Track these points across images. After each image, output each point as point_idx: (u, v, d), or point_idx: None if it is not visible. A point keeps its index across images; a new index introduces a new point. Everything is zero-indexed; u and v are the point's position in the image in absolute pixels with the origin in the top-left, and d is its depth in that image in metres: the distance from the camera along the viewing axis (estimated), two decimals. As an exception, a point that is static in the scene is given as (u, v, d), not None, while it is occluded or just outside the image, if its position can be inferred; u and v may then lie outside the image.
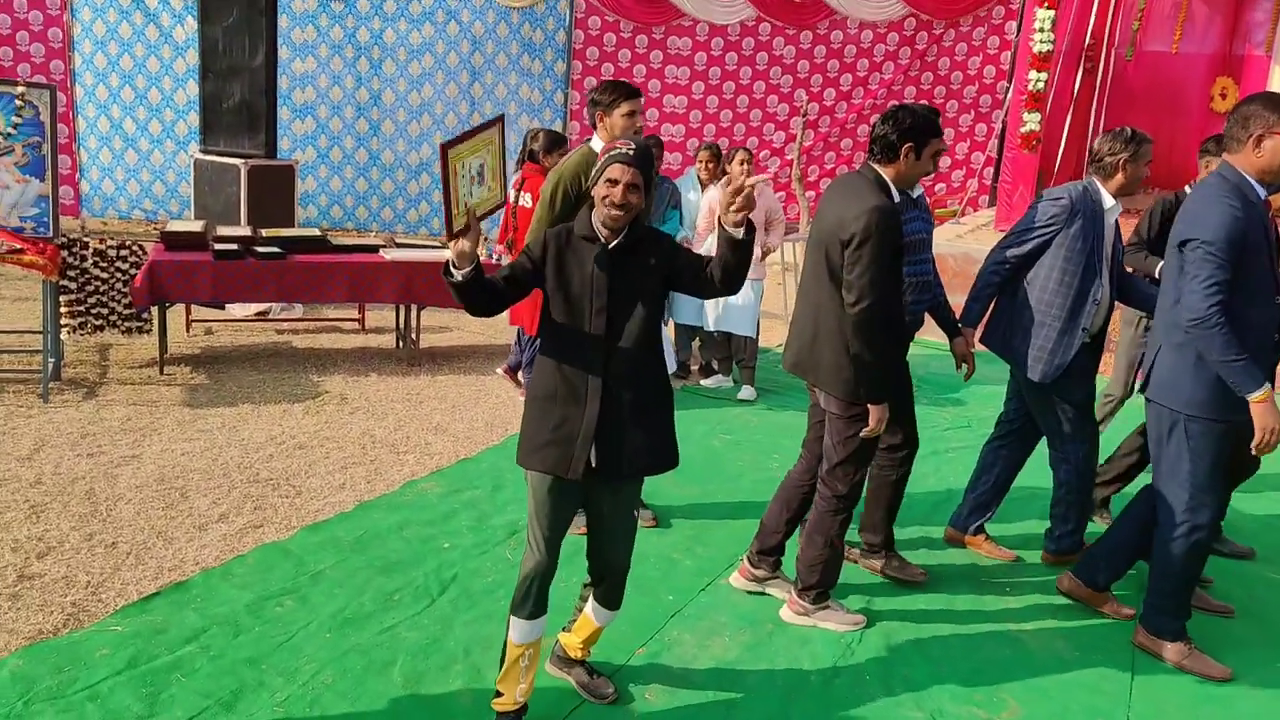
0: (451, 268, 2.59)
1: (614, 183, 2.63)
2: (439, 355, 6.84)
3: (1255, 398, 3.10)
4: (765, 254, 6.59)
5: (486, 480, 4.66)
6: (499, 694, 2.83)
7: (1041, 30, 8.30)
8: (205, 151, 7.81)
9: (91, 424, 5.05)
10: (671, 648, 3.33)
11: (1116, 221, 3.89)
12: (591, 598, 2.98)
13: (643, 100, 4.01)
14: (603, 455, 2.70)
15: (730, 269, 2.62)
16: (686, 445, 5.26)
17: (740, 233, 2.56)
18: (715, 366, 6.76)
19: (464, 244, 2.53)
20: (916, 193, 3.75)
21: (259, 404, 5.59)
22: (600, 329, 2.66)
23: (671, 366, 5.20)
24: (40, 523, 3.96)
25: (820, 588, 3.52)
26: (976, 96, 11.53)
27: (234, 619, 3.33)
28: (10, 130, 5.37)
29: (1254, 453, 3.18)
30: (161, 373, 5.97)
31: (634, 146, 2.67)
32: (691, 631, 3.44)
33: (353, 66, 10.70)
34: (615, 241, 2.68)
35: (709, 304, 6.47)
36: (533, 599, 2.77)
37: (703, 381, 6.67)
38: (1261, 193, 3.21)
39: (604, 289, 2.66)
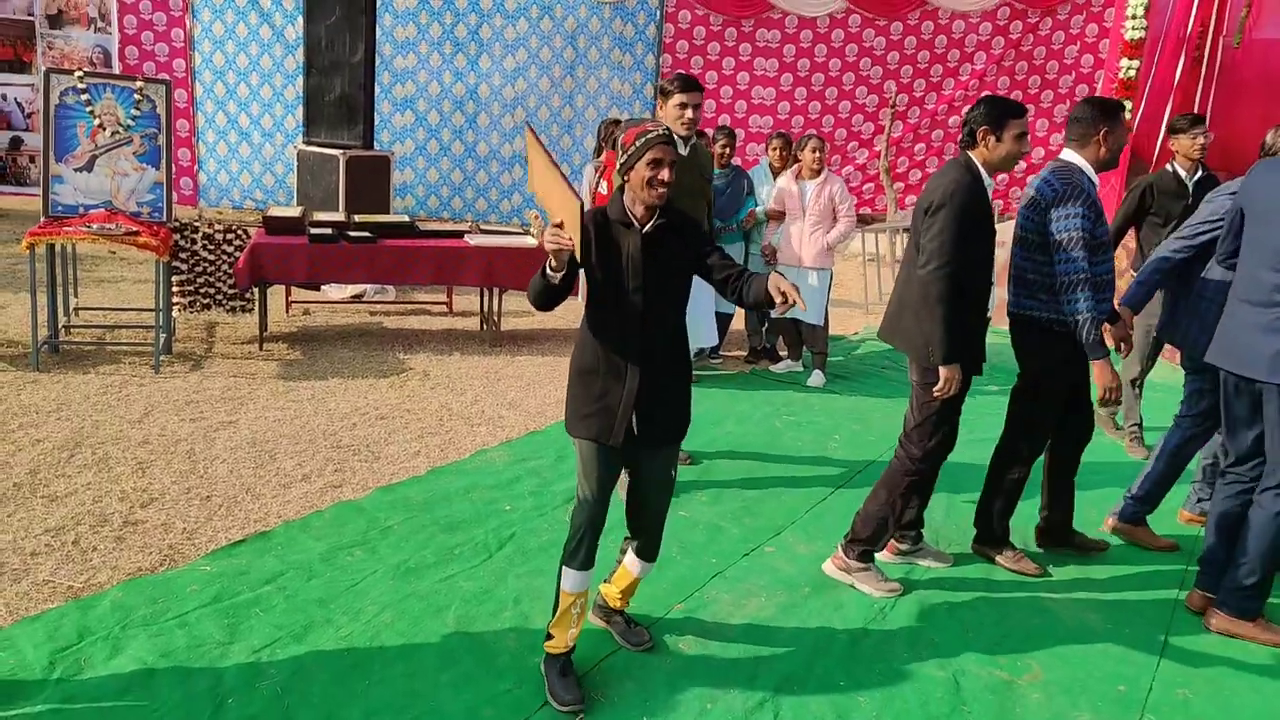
0: (549, 269, 2.72)
1: (659, 163, 2.78)
2: (520, 337, 7.13)
3: None
4: (832, 244, 6.62)
5: (551, 450, 4.89)
6: (550, 637, 3.00)
7: (1134, 17, 8.12)
8: (308, 143, 8.28)
9: (195, 393, 5.49)
10: (708, 605, 3.49)
11: None
12: (631, 550, 3.17)
13: (701, 95, 4.19)
14: (642, 423, 2.89)
15: (749, 306, 2.89)
16: (748, 424, 5.48)
17: (774, 311, 2.84)
18: (783, 353, 6.86)
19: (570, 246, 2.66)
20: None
21: (347, 378, 5.96)
22: (638, 308, 2.85)
23: (705, 343, 5.36)
24: (145, 477, 4.36)
25: (868, 545, 3.65)
26: (1073, 86, 11.25)
27: (309, 565, 3.64)
28: (130, 122, 5.86)
29: None
30: (261, 348, 6.41)
31: (665, 126, 2.83)
32: (730, 592, 3.60)
33: (450, 61, 11.12)
34: (650, 224, 2.84)
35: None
36: (584, 550, 2.95)
37: (772, 366, 6.78)
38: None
39: (640, 270, 2.83)
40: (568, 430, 2.98)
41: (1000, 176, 3.84)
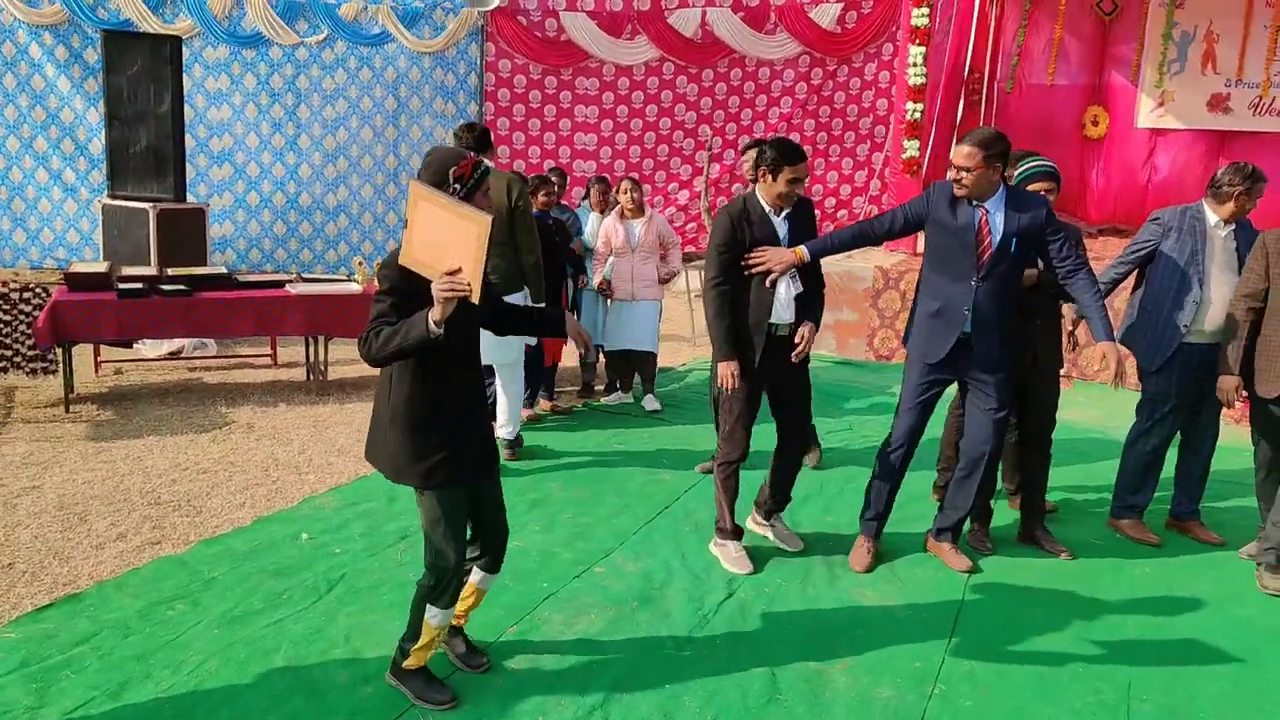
0: (433, 324, 2.68)
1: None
2: (348, 385, 7.05)
3: None
4: (666, 279, 6.95)
5: (382, 494, 4.88)
6: (406, 655, 3.11)
7: (915, 65, 8.90)
8: (114, 197, 7.97)
9: (-6, 459, 5.18)
10: (540, 626, 3.60)
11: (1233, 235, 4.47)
12: (476, 567, 3.24)
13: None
14: (485, 456, 3.18)
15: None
16: (583, 456, 5.62)
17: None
18: (618, 385, 7.09)
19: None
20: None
21: (165, 435, 5.75)
22: (470, 354, 3.15)
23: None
24: (-61, 548, 4.09)
25: (718, 526, 4.28)
26: (872, 127, 12.13)
27: (125, 623, 3.52)
28: (-90, 177, 5.51)
29: None
30: (67, 411, 6.10)
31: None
32: (561, 612, 3.71)
33: (267, 113, 10.92)
34: None
35: (611, 323, 6.81)
36: (451, 593, 3.07)
37: (605, 399, 6.98)
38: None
39: (471, 321, 3.10)
40: (419, 483, 2.96)
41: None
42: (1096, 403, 6.71)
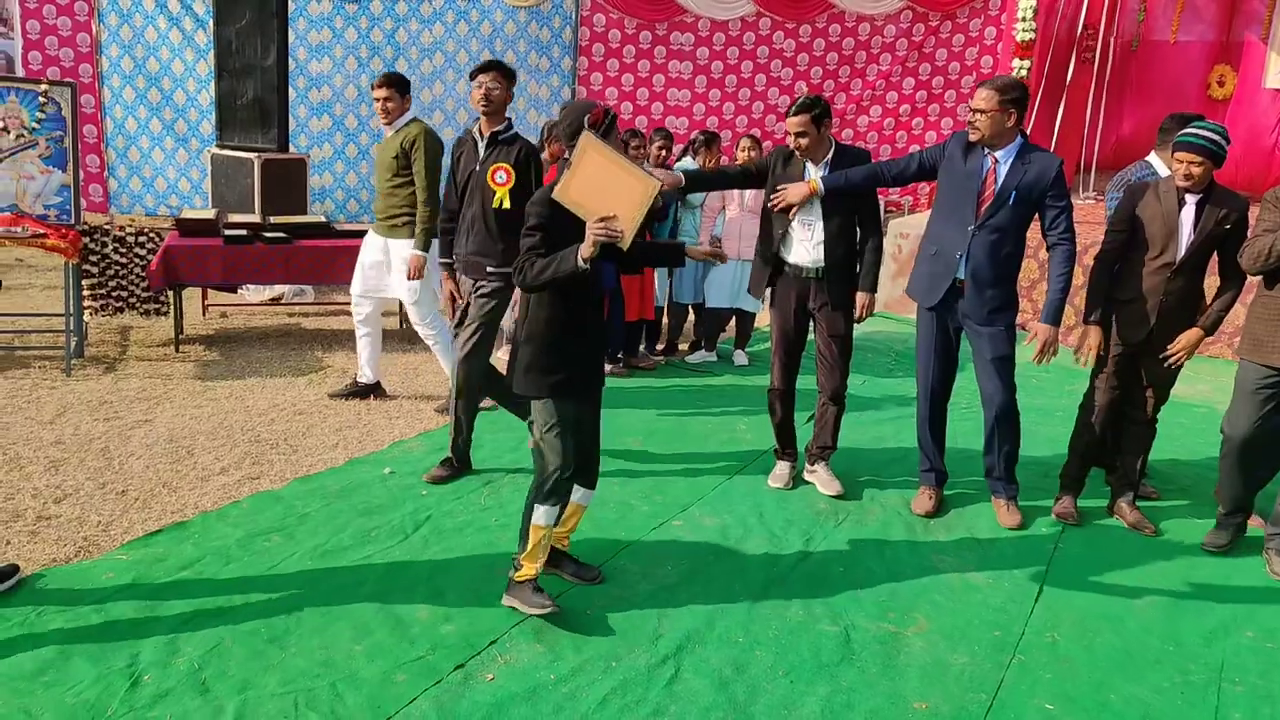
0: (581, 260, 3.06)
1: None
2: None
3: None
4: None
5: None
6: (519, 567, 3.36)
7: (1024, 19, 8.56)
8: (222, 147, 8.25)
9: (110, 394, 5.47)
10: (616, 576, 3.66)
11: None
12: (577, 485, 3.50)
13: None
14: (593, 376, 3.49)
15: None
16: (664, 413, 5.65)
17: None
18: (703, 344, 7.10)
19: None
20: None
21: (265, 377, 5.99)
22: (594, 282, 3.41)
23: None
24: (59, 474, 4.36)
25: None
26: (974, 86, 11.70)
27: (226, 550, 3.71)
28: (34, 125, 5.82)
29: None
30: (177, 350, 6.40)
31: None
32: (637, 563, 3.77)
33: (366, 66, 11.12)
34: None
35: (726, 282, 6.76)
36: (563, 490, 3.37)
37: (688, 357, 7.00)
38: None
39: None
40: (542, 392, 3.30)
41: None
42: (1208, 377, 6.43)
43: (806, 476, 4.68)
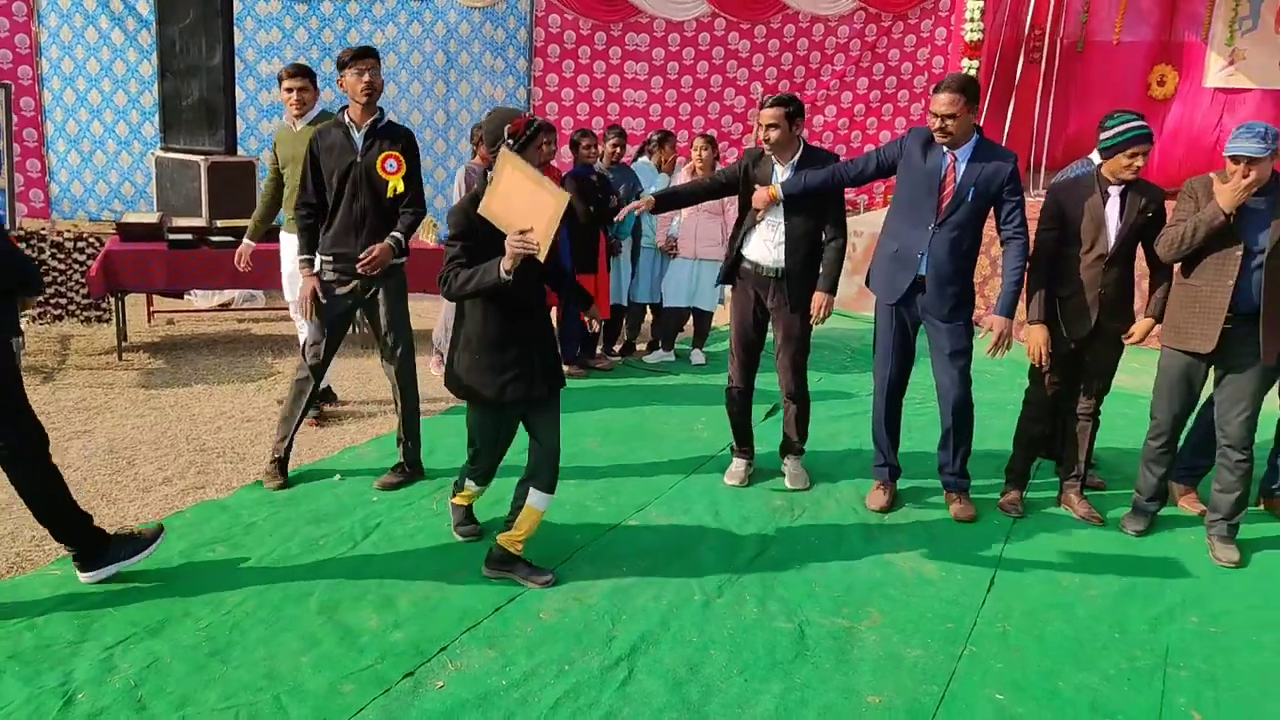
0: (503, 272, 3.17)
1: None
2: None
3: None
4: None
5: (421, 445, 4.93)
6: (512, 543, 3.55)
7: (972, 20, 8.65)
8: (166, 149, 8.07)
9: (47, 404, 5.31)
10: (570, 577, 3.61)
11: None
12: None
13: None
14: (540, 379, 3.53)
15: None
16: (620, 412, 5.62)
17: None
18: (660, 343, 7.07)
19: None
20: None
21: (212, 384, 5.86)
22: (535, 286, 3.57)
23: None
24: (-6, 487, 4.22)
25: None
26: (926, 85, 11.82)
27: (167, 562, 3.60)
28: (-33, 126, 5.64)
29: None
30: (120, 359, 6.24)
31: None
32: (592, 564, 3.73)
33: (317, 66, 10.94)
34: None
35: (683, 282, 6.74)
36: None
37: (645, 357, 6.96)
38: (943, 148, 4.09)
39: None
40: (477, 397, 3.44)
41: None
42: (1150, 368, 6.52)
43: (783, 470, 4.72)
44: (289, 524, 3.98)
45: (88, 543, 3.40)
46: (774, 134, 4.22)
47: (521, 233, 3.15)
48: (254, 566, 3.61)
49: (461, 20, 11.33)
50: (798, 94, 11.63)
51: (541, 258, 3.17)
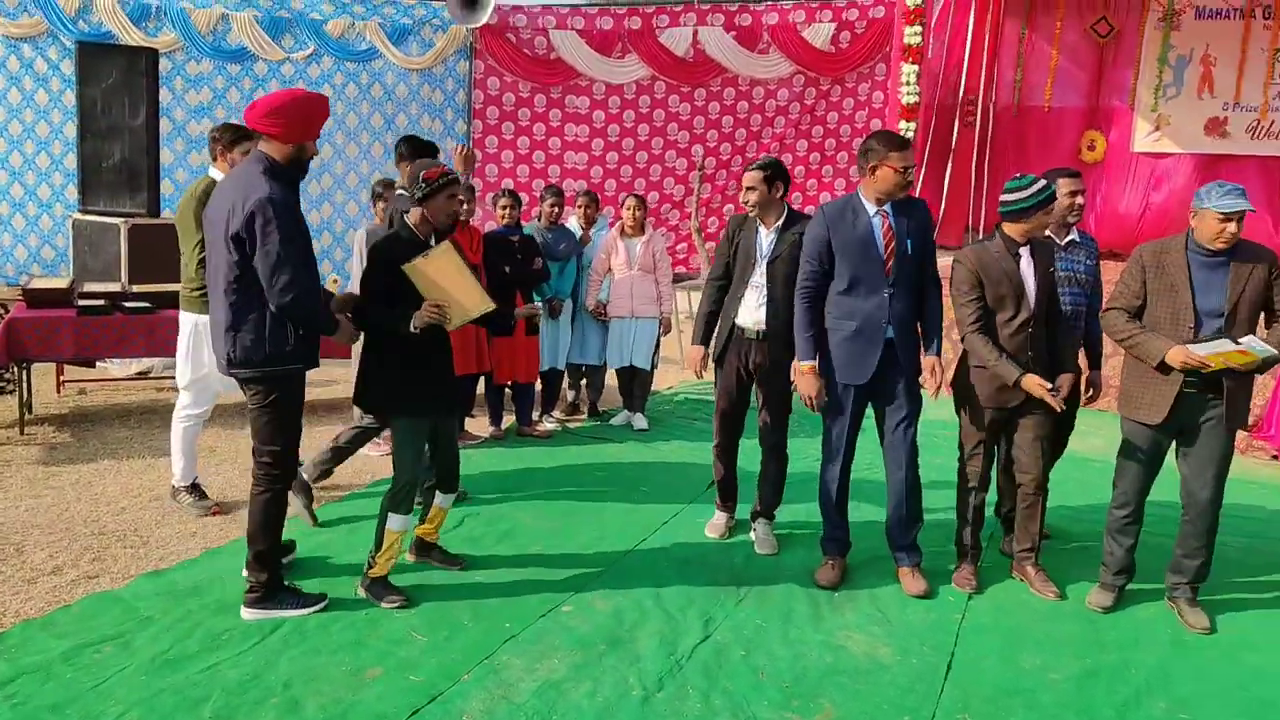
0: (413, 328, 3.57)
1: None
2: (320, 407, 6.79)
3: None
4: (665, 317, 6.70)
5: (344, 525, 4.62)
6: (373, 565, 3.80)
7: (907, 83, 8.72)
8: (85, 211, 7.72)
9: (-64, 483, 4.90)
10: (499, 672, 3.31)
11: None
12: (437, 491, 4.06)
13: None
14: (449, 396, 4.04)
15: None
16: (559, 482, 5.35)
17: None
18: (598, 407, 6.87)
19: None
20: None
21: (121, 459, 5.49)
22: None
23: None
24: None
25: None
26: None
27: (46, 667, 3.23)
28: None
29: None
30: (21, 433, 5.83)
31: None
32: (522, 656, 3.43)
33: (250, 129, 10.71)
34: None
35: (611, 341, 6.59)
36: (408, 500, 3.82)
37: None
38: (871, 209, 3.98)
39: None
40: (400, 414, 3.78)
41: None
42: (1099, 431, 6.46)
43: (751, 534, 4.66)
44: (191, 617, 3.63)
45: None
46: (752, 196, 4.29)
47: (438, 306, 3.54)
48: (144, 668, 3.25)
49: (399, 82, 11.22)
50: (740, 156, 11.74)
51: (449, 328, 3.64)
